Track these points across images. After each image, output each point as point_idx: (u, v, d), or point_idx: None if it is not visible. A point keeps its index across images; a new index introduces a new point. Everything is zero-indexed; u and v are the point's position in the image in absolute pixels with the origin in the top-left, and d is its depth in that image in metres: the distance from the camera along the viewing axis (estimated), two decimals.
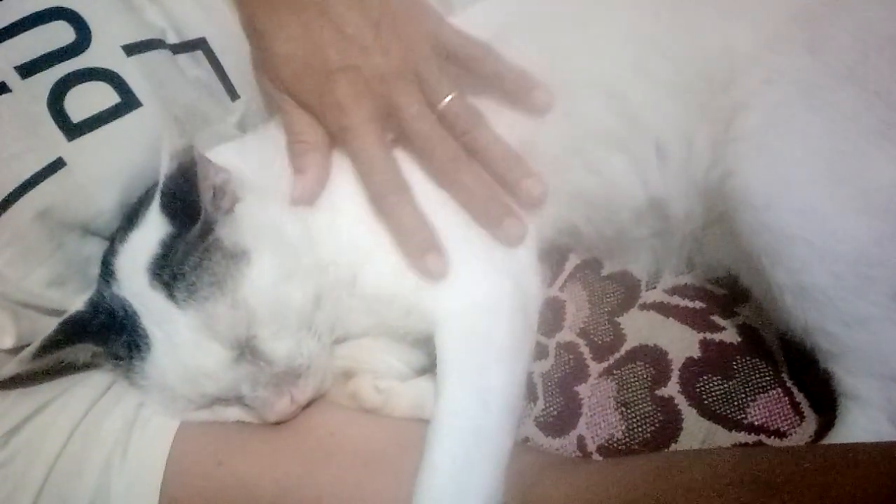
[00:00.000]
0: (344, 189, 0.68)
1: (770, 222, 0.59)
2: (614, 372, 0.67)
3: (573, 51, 0.70)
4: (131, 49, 0.69)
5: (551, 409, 0.67)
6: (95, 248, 0.68)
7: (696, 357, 0.66)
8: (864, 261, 0.58)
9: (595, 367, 0.68)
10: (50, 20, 0.66)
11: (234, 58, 0.75)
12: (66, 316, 0.64)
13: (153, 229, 0.62)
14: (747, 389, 0.63)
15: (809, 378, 0.62)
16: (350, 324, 0.69)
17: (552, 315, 0.72)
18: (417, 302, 0.65)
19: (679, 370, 0.65)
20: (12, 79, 0.65)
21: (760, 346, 0.65)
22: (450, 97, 0.66)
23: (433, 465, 0.57)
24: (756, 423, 0.62)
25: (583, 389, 0.67)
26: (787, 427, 0.61)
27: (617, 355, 0.68)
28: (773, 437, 0.61)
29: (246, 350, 0.62)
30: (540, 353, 0.70)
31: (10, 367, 0.62)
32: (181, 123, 0.69)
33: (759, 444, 0.61)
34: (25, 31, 0.66)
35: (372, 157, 0.66)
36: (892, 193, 0.59)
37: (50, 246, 0.65)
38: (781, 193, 0.60)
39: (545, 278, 0.73)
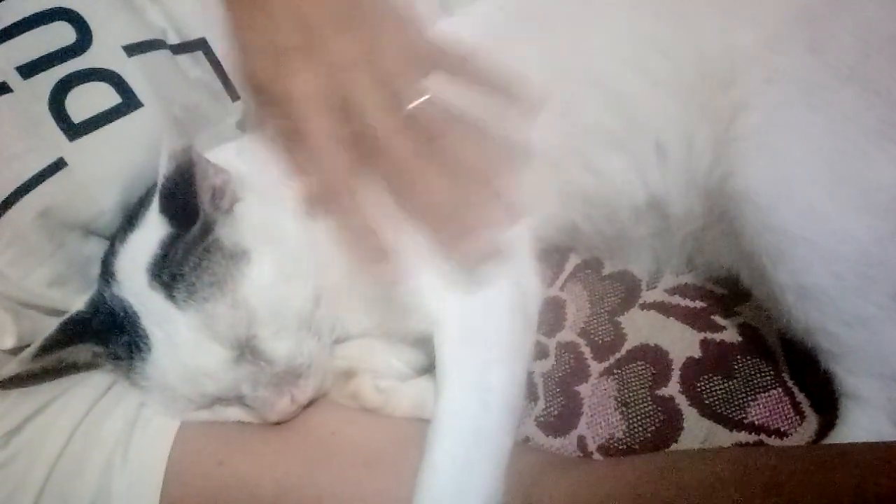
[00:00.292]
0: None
1: (771, 222, 0.59)
2: (615, 372, 0.67)
3: (573, 50, 0.70)
4: (132, 49, 0.69)
5: (552, 408, 0.67)
6: (96, 248, 0.68)
7: (696, 357, 0.66)
8: (864, 260, 0.58)
9: (596, 367, 0.68)
10: (51, 20, 0.67)
11: None
12: (66, 316, 0.64)
13: (153, 230, 0.62)
14: (748, 389, 0.63)
15: (810, 378, 0.62)
16: (350, 324, 0.69)
17: (553, 315, 0.72)
18: (417, 302, 0.65)
19: (680, 370, 0.65)
20: (13, 79, 0.65)
21: (761, 346, 0.65)
22: (423, 98, 0.57)
23: (433, 465, 0.57)
24: (757, 422, 0.62)
25: (583, 389, 0.67)
26: (787, 427, 0.61)
27: (617, 355, 0.68)
28: (773, 436, 0.61)
29: (246, 350, 0.62)
30: (540, 352, 0.70)
31: (10, 367, 0.62)
32: (181, 124, 0.70)
33: (760, 444, 0.61)
34: (26, 31, 0.66)
35: (320, 148, 0.55)
36: (893, 193, 0.59)
37: (51, 246, 0.65)
38: (782, 193, 0.60)
39: (545, 278, 0.73)
